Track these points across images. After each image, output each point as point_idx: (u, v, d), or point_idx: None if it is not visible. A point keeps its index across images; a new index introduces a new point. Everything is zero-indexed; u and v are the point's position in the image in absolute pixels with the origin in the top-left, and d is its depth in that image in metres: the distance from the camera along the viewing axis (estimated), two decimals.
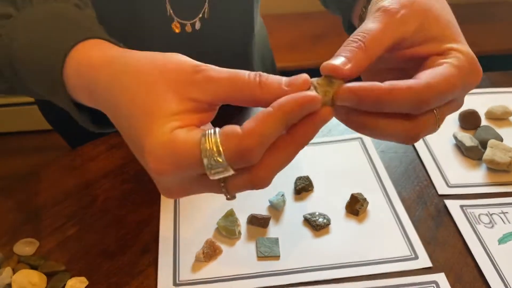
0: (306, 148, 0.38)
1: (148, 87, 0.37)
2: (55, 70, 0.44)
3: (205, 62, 0.38)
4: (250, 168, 0.35)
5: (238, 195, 0.41)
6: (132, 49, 0.43)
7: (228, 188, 0.37)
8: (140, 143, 0.36)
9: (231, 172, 0.35)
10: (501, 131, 0.77)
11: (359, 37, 0.38)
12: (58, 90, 0.45)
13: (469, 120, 0.78)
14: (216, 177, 0.35)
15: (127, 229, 0.64)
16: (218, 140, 0.34)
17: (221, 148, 0.34)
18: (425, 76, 0.38)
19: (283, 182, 0.69)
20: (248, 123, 0.35)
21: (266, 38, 0.96)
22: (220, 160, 0.34)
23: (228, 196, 0.39)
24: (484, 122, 0.79)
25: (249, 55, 0.85)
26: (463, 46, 0.41)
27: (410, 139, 0.40)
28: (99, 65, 0.41)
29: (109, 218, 0.66)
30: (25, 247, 0.62)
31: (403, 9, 0.40)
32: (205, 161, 0.34)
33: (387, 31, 0.39)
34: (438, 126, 0.42)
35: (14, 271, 0.58)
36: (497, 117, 0.80)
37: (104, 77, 0.40)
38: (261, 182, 0.36)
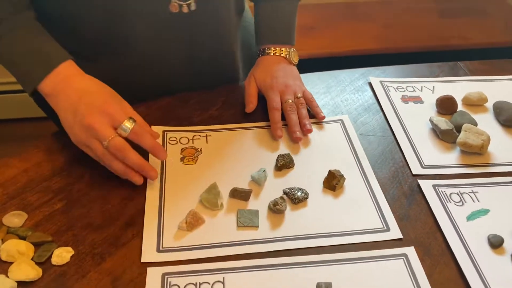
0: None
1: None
2: (34, 80, 0.69)
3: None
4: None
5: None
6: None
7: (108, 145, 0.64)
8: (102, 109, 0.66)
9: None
10: (476, 116, 0.80)
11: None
12: (28, 85, 0.70)
13: (446, 106, 0.81)
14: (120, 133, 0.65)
15: (112, 204, 0.67)
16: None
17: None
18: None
19: (265, 159, 0.73)
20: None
21: (252, 26, 0.98)
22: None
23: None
24: (460, 108, 0.83)
25: (232, 42, 0.88)
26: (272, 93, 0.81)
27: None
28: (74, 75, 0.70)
29: (95, 193, 0.68)
30: (14, 219, 0.64)
31: (257, 77, 0.83)
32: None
33: (253, 87, 0.83)
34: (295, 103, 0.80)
35: (3, 241, 0.60)
36: (473, 103, 0.83)
37: (79, 78, 0.70)
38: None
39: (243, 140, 0.76)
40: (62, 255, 0.59)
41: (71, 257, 0.59)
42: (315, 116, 0.80)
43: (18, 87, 0.74)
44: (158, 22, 0.77)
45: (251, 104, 0.81)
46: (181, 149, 0.74)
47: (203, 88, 0.86)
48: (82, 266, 0.58)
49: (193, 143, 0.75)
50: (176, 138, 0.76)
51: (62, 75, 0.69)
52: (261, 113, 0.82)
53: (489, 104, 0.83)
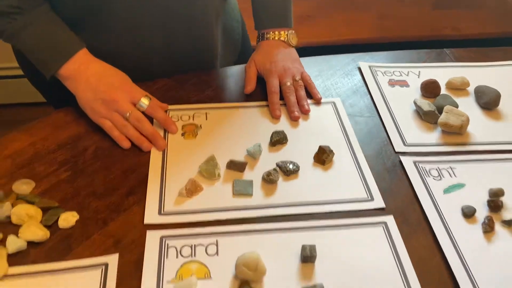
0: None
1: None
2: (54, 66, 0.77)
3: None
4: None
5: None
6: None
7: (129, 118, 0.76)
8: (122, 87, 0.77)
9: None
10: (459, 99, 0.85)
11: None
12: (49, 70, 0.77)
13: (430, 89, 0.86)
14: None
15: (114, 175, 0.71)
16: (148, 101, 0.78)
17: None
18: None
19: (260, 135, 0.78)
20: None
21: (236, 11, 1.01)
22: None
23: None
24: (444, 91, 0.88)
25: (212, 28, 0.90)
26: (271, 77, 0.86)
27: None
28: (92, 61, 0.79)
29: (99, 165, 0.73)
30: (23, 186, 0.69)
31: (257, 61, 0.89)
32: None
33: (252, 70, 0.88)
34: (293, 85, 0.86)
35: (13, 206, 0.65)
36: (456, 87, 0.88)
37: (96, 64, 0.79)
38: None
39: (240, 118, 0.81)
40: (68, 218, 0.64)
41: (76, 221, 0.64)
42: (313, 97, 0.85)
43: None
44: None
45: (250, 86, 0.86)
46: (182, 125, 0.79)
47: (179, 69, 0.89)
48: (86, 229, 0.63)
49: (193, 119, 0.80)
50: (178, 116, 0.81)
51: (79, 61, 0.77)
52: (259, 93, 0.87)
53: (471, 89, 0.88)
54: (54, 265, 0.58)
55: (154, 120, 0.78)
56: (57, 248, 0.61)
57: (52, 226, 0.63)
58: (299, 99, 0.84)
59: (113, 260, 0.59)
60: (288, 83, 0.84)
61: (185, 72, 0.90)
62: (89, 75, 0.77)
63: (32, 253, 0.60)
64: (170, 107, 0.82)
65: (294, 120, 0.81)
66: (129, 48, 0.86)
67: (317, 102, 0.85)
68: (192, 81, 0.90)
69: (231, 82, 0.91)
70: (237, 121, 0.81)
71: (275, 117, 0.81)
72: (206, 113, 0.82)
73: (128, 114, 0.75)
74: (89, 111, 0.77)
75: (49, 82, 0.78)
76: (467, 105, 0.85)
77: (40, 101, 1.08)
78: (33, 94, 1.10)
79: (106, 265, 0.58)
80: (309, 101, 0.85)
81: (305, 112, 0.82)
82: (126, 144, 0.75)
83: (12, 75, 1.86)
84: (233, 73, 0.93)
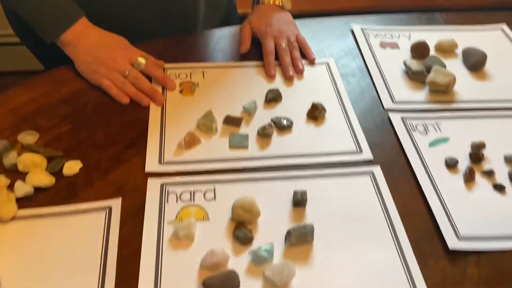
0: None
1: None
2: (55, 32, 0.80)
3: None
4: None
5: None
6: None
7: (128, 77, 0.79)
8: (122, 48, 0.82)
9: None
10: (447, 61, 0.88)
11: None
12: (50, 37, 0.81)
13: (419, 50, 0.89)
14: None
15: (114, 128, 0.74)
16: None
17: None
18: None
19: (256, 93, 0.81)
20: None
21: None
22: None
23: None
24: (433, 53, 0.91)
25: None
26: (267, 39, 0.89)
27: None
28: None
29: (99, 119, 0.76)
30: (27, 136, 0.72)
31: (252, 23, 0.91)
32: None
33: (247, 30, 0.91)
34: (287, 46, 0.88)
35: (19, 155, 0.68)
36: (445, 49, 0.91)
37: (94, 31, 0.82)
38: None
39: (236, 76, 0.84)
40: (72, 167, 0.67)
41: (80, 169, 0.68)
42: (307, 58, 0.88)
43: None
44: None
45: (245, 45, 0.89)
46: (180, 83, 0.82)
47: (160, 27, 0.92)
48: (89, 177, 0.67)
49: (190, 77, 0.83)
50: (175, 74, 0.84)
51: (79, 28, 0.81)
52: (255, 54, 0.89)
53: (459, 51, 0.91)
54: (61, 208, 0.62)
55: (152, 79, 0.81)
56: (62, 193, 0.64)
57: (57, 173, 0.67)
58: (293, 59, 0.86)
59: (116, 203, 0.62)
60: (283, 45, 0.87)
61: (168, 34, 0.92)
62: (88, 41, 0.81)
63: (39, 198, 0.64)
64: (168, 65, 0.85)
65: (288, 79, 0.84)
66: (115, 10, 0.88)
67: (311, 62, 0.88)
68: (189, 41, 0.92)
69: (227, 43, 0.94)
70: (233, 79, 0.83)
71: (270, 77, 0.84)
72: (203, 72, 0.84)
73: (127, 72, 0.78)
74: (89, 73, 0.80)
75: (46, 45, 0.81)
76: (455, 66, 0.88)
77: (35, 69, 1.09)
78: (28, 61, 1.11)
79: (110, 208, 0.62)
80: (303, 61, 0.87)
81: (300, 72, 0.85)
82: (125, 100, 0.78)
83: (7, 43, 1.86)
84: (228, 34, 0.96)
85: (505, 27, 0.99)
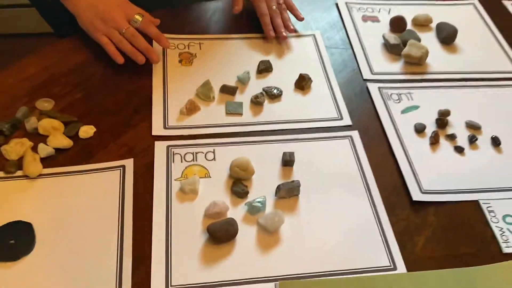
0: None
1: None
2: None
3: None
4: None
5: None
6: None
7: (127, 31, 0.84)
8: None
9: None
10: (422, 34, 0.97)
11: None
12: None
13: (397, 24, 0.98)
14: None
15: (121, 96, 0.82)
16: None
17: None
18: None
19: (249, 64, 0.89)
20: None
21: None
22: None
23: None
24: (410, 27, 1.00)
25: None
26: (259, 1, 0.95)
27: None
28: None
29: (106, 87, 0.83)
30: (44, 103, 0.80)
31: None
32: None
33: None
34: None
35: (38, 120, 0.76)
36: (421, 23, 1.00)
37: None
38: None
39: (231, 48, 0.92)
40: (87, 130, 0.76)
41: (94, 133, 0.76)
42: (296, 18, 0.97)
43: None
44: None
45: (237, 6, 0.95)
46: (179, 53, 0.90)
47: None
48: (103, 139, 0.75)
49: (188, 48, 0.91)
50: (174, 44, 0.91)
51: None
52: (247, 26, 0.97)
53: (434, 25, 1.00)
54: (80, 167, 0.71)
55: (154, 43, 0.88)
56: (80, 154, 0.73)
57: (73, 136, 0.75)
58: (284, 20, 0.95)
59: (129, 163, 0.72)
60: (274, 7, 0.95)
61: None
62: None
63: (60, 158, 0.73)
64: (167, 36, 0.92)
65: (282, 39, 0.93)
66: None
67: (300, 20, 0.96)
68: (185, 14, 0.99)
69: (222, 15, 1.01)
70: (228, 51, 0.92)
71: (269, 37, 0.92)
72: (200, 43, 0.92)
73: (124, 30, 0.83)
74: (90, 28, 0.85)
75: (53, 8, 0.86)
76: (429, 40, 0.97)
77: (41, 32, 1.14)
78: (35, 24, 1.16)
79: (124, 167, 0.71)
80: (291, 34, 0.96)
81: (291, 32, 0.94)
82: (120, 60, 0.84)
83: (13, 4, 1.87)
84: (222, 7, 1.02)
85: (476, 2, 1.08)
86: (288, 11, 0.97)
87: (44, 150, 0.72)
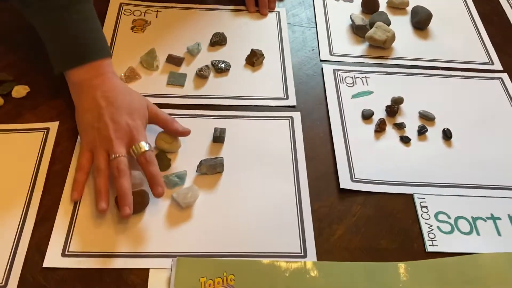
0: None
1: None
2: (67, 63, 0.69)
3: None
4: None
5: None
6: None
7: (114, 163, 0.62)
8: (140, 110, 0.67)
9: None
10: (396, 17, 0.92)
11: None
12: (60, 66, 0.69)
13: (369, 5, 0.92)
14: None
15: None
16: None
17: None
18: None
19: (202, 35, 0.86)
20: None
21: None
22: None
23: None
24: (383, 9, 0.94)
25: None
26: None
27: None
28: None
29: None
30: None
31: None
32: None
33: None
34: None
35: None
36: (396, 5, 0.94)
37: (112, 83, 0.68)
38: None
39: (188, 18, 0.89)
40: (19, 90, 0.74)
41: (28, 93, 0.75)
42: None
43: None
44: None
45: None
46: (133, 20, 0.87)
47: None
48: (35, 101, 0.74)
49: (144, 16, 0.88)
50: (131, 10, 0.89)
51: (96, 71, 0.67)
52: None
53: (410, 8, 0.94)
54: (5, 126, 0.70)
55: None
56: (9, 113, 0.72)
57: (6, 95, 0.74)
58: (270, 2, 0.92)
59: (54, 126, 0.70)
60: None
61: None
62: (98, 95, 0.65)
63: None
64: (125, 1, 0.90)
65: (263, 15, 0.90)
66: None
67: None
68: None
69: None
70: (184, 21, 0.88)
71: (251, 12, 0.91)
72: (157, 11, 0.89)
73: (113, 156, 0.62)
74: (83, 134, 0.67)
75: None
76: (402, 23, 0.92)
77: None
78: None
79: (48, 129, 0.70)
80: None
81: (272, 8, 0.92)
82: (74, 197, 0.63)
83: None
84: None
85: None
86: None
87: None
